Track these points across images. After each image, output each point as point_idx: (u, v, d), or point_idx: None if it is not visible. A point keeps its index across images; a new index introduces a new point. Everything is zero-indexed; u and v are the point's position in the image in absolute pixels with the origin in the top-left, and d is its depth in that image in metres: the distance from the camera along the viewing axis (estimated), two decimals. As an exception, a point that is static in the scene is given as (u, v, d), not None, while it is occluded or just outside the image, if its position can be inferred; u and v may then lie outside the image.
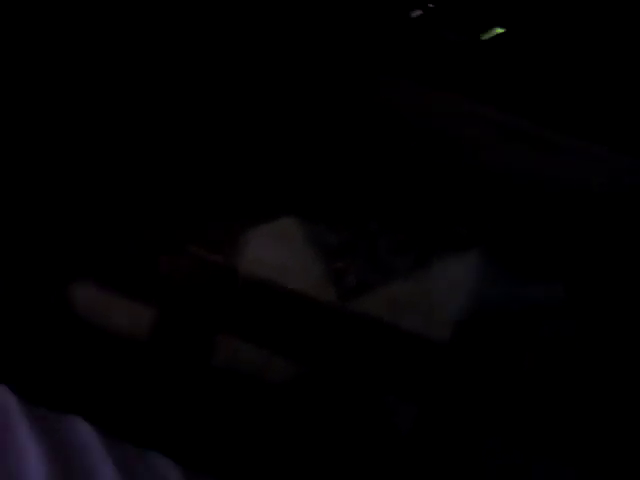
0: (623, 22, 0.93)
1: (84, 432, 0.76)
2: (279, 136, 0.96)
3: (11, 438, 0.64)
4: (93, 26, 0.96)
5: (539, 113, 0.93)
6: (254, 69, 0.96)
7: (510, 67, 0.94)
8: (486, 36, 0.92)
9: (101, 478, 0.70)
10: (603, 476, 0.93)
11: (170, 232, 0.97)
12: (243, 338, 0.97)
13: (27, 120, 0.97)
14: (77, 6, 0.95)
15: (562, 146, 0.93)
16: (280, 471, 0.96)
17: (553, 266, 0.95)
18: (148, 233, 0.98)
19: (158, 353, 0.98)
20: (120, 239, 0.98)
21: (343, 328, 0.96)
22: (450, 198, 0.96)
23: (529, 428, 0.94)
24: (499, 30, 0.92)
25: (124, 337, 0.98)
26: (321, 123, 0.96)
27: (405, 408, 0.95)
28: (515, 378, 0.94)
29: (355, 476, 0.95)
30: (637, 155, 0.92)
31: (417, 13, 0.93)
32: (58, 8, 0.95)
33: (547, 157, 0.95)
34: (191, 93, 0.97)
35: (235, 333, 0.97)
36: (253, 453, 0.96)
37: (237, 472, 0.95)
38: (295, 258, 0.96)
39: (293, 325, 0.96)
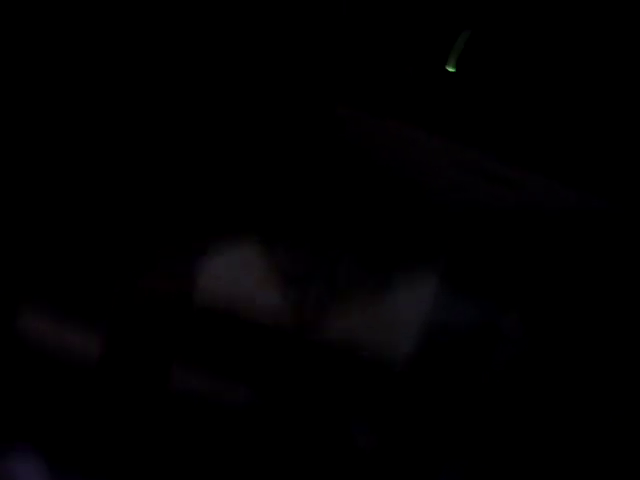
0: (574, 70, 0.93)
1: (30, 462, 0.75)
2: (239, 163, 0.95)
3: None
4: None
5: (499, 150, 0.93)
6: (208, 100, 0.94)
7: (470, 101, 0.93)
8: (451, 68, 0.91)
9: None
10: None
11: (124, 260, 0.95)
12: (200, 368, 0.95)
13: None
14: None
15: (516, 180, 0.93)
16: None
17: (508, 292, 0.95)
18: (102, 261, 0.95)
19: (110, 383, 0.96)
20: (73, 265, 0.95)
21: (302, 355, 0.95)
22: (408, 227, 0.95)
23: (487, 450, 0.94)
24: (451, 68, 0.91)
25: (75, 366, 0.96)
26: (281, 151, 0.95)
27: (367, 429, 0.95)
28: (472, 401, 0.95)
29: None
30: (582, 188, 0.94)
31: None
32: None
33: (501, 189, 0.95)
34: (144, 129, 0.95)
35: (192, 363, 0.95)
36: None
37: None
38: (254, 285, 0.95)
39: (252, 354, 0.95)
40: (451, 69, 0.91)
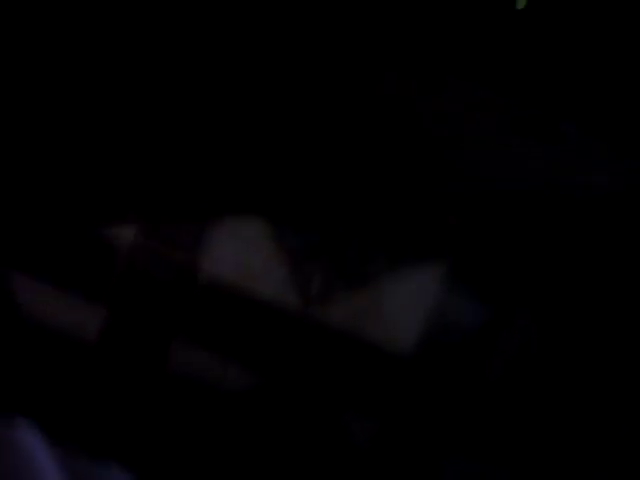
0: (629, 21, 0.90)
1: (29, 436, 0.73)
2: (246, 136, 0.93)
3: None
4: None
5: (548, 102, 0.88)
6: (240, 67, 0.93)
7: (519, 55, 0.90)
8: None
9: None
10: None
11: (130, 226, 0.93)
12: (201, 343, 0.93)
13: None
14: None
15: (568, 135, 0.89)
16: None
17: (516, 281, 0.92)
18: (106, 226, 0.94)
19: (111, 357, 0.94)
20: (73, 234, 0.94)
21: (305, 335, 0.92)
22: (418, 211, 0.93)
23: (490, 444, 0.90)
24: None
25: (73, 339, 0.94)
26: (292, 131, 0.93)
27: (365, 422, 0.91)
28: (476, 393, 0.91)
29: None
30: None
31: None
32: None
33: (552, 153, 0.92)
34: (159, 94, 0.94)
35: (192, 337, 0.93)
36: (208, 464, 0.92)
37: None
38: (260, 260, 0.92)
39: (254, 331, 0.92)
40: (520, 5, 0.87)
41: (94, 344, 0.93)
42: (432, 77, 0.89)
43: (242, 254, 0.93)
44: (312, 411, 0.91)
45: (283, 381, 0.92)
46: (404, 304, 0.91)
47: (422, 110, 0.91)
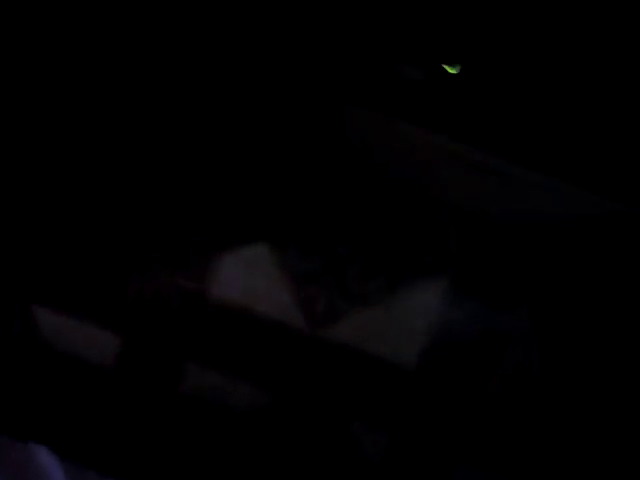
0: (580, 59, 0.93)
1: (45, 460, 0.76)
2: (250, 163, 0.96)
3: None
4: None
5: (504, 148, 0.93)
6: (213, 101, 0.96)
7: (473, 102, 0.94)
8: (451, 70, 0.93)
9: None
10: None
11: (139, 256, 0.97)
12: (211, 365, 0.96)
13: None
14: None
15: (523, 180, 0.93)
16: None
17: (517, 293, 0.95)
18: (117, 257, 0.97)
19: (125, 381, 0.97)
20: (87, 262, 0.97)
21: (312, 355, 0.95)
22: (417, 227, 0.96)
23: (498, 454, 0.93)
24: (452, 70, 0.92)
25: (91, 365, 0.97)
26: (293, 151, 0.96)
27: (375, 436, 0.94)
28: (482, 404, 0.94)
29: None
30: (589, 188, 0.93)
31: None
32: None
33: (508, 190, 0.95)
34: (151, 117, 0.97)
35: (203, 360, 0.96)
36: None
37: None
38: (265, 284, 0.96)
39: (262, 352, 0.96)
40: (453, 71, 0.92)
41: (110, 369, 0.97)
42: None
43: (248, 279, 0.96)
44: (322, 427, 0.94)
45: (293, 399, 0.95)
46: (407, 319, 0.94)
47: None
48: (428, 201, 0.95)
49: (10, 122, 0.96)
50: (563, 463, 0.93)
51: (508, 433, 0.93)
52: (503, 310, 0.94)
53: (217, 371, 0.96)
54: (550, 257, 0.94)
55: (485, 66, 0.93)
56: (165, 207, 0.97)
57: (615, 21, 0.92)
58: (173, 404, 0.96)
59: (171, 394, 0.96)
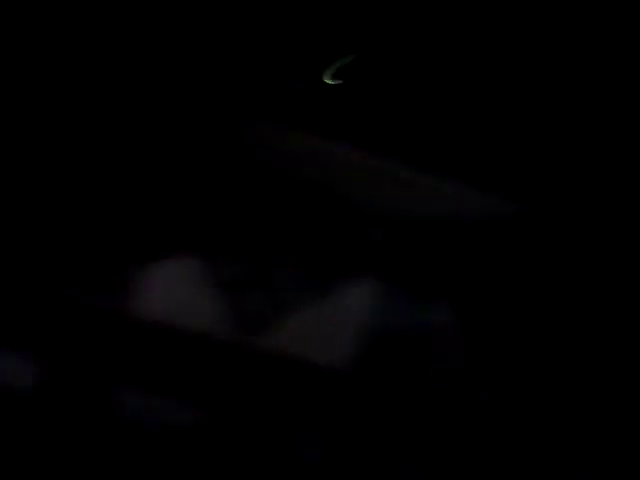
0: (472, 63, 0.97)
1: None
2: (175, 173, 0.94)
3: None
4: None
5: (397, 152, 0.96)
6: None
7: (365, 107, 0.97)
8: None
9: None
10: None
11: (59, 275, 0.92)
12: (139, 383, 0.92)
13: None
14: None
15: (419, 183, 0.97)
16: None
17: (438, 287, 0.97)
18: (31, 277, 0.92)
19: (47, 408, 0.92)
20: (6, 283, 0.92)
21: (243, 364, 0.93)
22: (338, 230, 0.97)
23: (435, 451, 0.94)
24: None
25: (10, 392, 0.92)
26: (218, 162, 0.95)
27: (312, 442, 0.93)
28: (416, 400, 0.95)
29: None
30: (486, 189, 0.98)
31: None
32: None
33: (414, 192, 0.98)
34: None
35: (129, 381, 0.92)
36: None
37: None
38: (189, 296, 0.93)
39: (191, 367, 0.93)
40: (330, 82, 0.95)
41: (30, 396, 0.91)
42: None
43: (172, 291, 0.93)
44: (262, 436, 0.93)
45: (229, 411, 0.93)
46: (336, 321, 0.94)
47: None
48: (342, 205, 0.96)
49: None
50: (498, 455, 0.95)
51: (448, 429, 0.94)
52: (426, 304, 0.95)
53: (147, 391, 0.92)
54: (466, 254, 0.97)
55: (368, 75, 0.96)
56: (78, 220, 0.93)
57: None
58: (100, 429, 0.92)
59: (99, 416, 0.92)
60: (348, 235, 0.97)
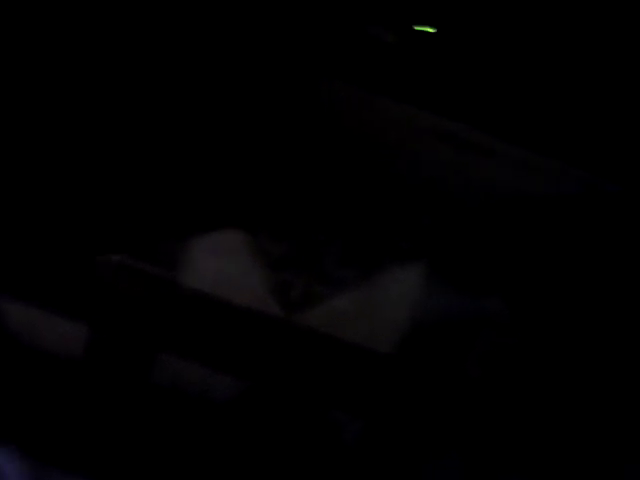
0: (559, 29, 0.94)
1: (5, 458, 0.73)
2: (219, 145, 0.95)
3: None
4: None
5: (477, 118, 0.93)
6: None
7: (445, 70, 0.94)
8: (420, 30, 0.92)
9: None
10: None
11: (106, 245, 0.94)
12: (184, 354, 0.93)
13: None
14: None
15: (499, 152, 0.93)
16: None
17: (492, 278, 0.95)
18: (84, 246, 0.94)
19: (94, 373, 0.94)
20: (53, 252, 0.94)
21: (288, 341, 0.93)
22: (393, 212, 0.95)
23: (475, 441, 0.92)
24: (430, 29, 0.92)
25: (59, 357, 0.94)
26: (265, 136, 0.95)
27: (351, 422, 0.92)
28: (460, 390, 0.93)
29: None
30: (571, 162, 0.93)
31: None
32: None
33: (485, 168, 0.95)
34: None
35: (175, 349, 0.94)
36: (197, 475, 0.93)
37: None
38: (239, 270, 0.94)
39: (237, 339, 0.94)
40: (430, 29, 0.91)
41: (78, 362, 0.94)
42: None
43: (220, 265, 0.94)
44: (300, 414, 0.92)
45: (270, 386, 0.93)
46: (383, 305, 0.93)
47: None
48: (402, 185, 0.95)
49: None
50: (543, 448, 0.93)
51: (485, 419, 0.93)
52: (478, 294, 0.93)
53: (192, 361, 0.93)
54: (526, 239, 0.94)
55: (460, 29, 0.93)
56: (133, 193, 0.95)
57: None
58: (146, 396, 0.93)
59: (143, 386, 0.93)
60: (403, 218, 0.96)
